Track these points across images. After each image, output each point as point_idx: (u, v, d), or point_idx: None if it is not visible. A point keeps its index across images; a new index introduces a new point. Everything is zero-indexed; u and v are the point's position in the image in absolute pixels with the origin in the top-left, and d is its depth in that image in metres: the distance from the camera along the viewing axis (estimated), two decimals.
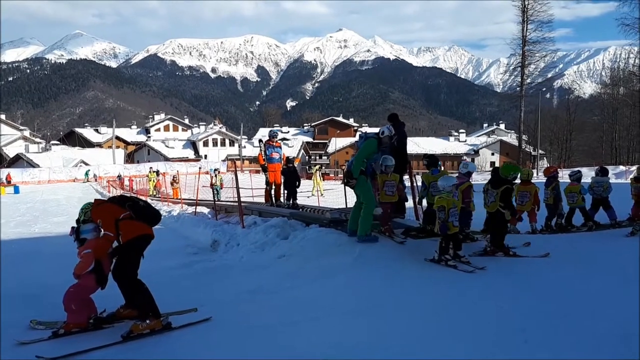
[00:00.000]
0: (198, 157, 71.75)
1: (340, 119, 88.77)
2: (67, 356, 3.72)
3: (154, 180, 28.60)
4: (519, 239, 7.23)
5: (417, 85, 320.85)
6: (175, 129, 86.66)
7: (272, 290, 5.51)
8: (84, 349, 3.81)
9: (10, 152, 64.13)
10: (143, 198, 22.25)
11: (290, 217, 8.75)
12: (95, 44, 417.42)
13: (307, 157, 76.38)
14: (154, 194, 26.74)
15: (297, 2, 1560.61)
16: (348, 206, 10.78)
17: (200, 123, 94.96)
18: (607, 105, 58.98)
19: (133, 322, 4.18)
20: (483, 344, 3.62)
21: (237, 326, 4.32)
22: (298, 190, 11.01)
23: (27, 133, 74.19)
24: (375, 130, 7.79)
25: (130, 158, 73.87)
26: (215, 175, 21.35)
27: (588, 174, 12.45)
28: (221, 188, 20.23)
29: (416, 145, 68.94)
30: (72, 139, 79.66)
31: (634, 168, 21.02)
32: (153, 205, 4.97)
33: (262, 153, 10.72)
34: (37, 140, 75.39)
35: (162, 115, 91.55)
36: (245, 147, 73.85)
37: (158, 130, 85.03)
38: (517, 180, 7.48)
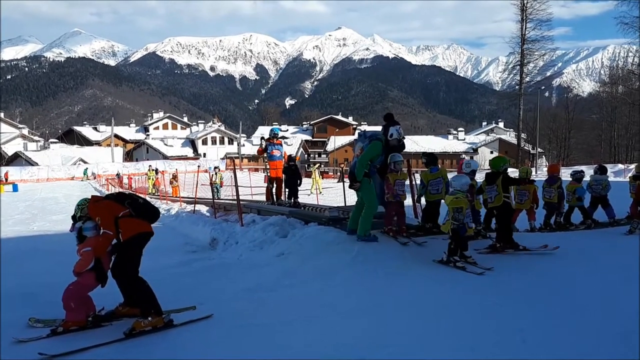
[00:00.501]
0: (197, 156, 71.73)
1: (339, 117, 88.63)
2: (70, 353, 3.72)
3: (153, 179, 28.59)
4: (519, 238, 7.22)
5: (416, 83, 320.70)
6: (174, 127, 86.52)
7: (270, 288, 5.51)
8: (86, 346, 3.81)
9: (9, 150, 64.14)
10: (142, 196, 22.32)
11: (289, 215, 8.75)
12: (93, 42, 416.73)
13: (306, 156, 76.33)
14: (153, 192, 26.73)
15: (296, 1, 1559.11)
16: (347, 204, 10.81)
17: (199, 121, 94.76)
18: (605, 104, 59.02)
19: (135, 319, 4.17)
20: (483, 343, 3.61)
21: (237, 324, 4.32)
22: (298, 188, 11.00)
23: (25, 131, 74.12)
24: (375, 128, 7.76)
25: (129, 156, 73.81)
26: (216, 174, 21.36)
27: (587, 172, 12.47)
28: (221, 186, 20.23)
29: (415, 143, 68.90)
30: (71, 137, 79.58)
31: (632, 166, 21.05)
32: (152, 204, 4.96)
33: (263, 150, 10.73)
34: (36, 138, 75.36)
35: (161, 114, 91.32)
36: (244, 145, 73.79)
37: (157, 128, 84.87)
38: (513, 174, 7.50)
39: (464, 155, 48.05)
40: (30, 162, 57.85)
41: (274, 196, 10.96)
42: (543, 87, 53.96)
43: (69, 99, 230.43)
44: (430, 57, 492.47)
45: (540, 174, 31.27)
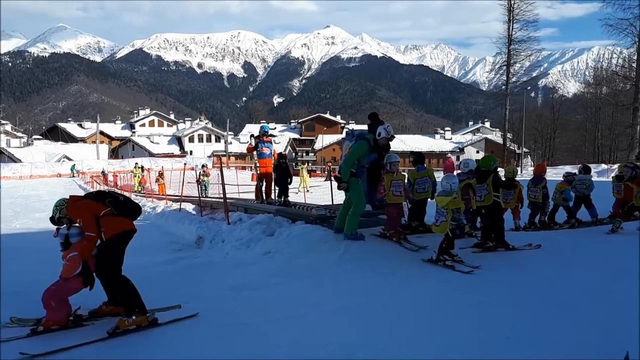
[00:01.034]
0: (183, 153, 71.23)
1: (328, 115, 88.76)
2: (52, 352, 3.66)
3: (139, 176, 28.33)
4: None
5: (404, 82, 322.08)
6: (161, 124, 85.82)
7: (257, 287, 5.48)
8: (68, 346, 3.75)
9: None
10: (124, 193, 22.02)
11: (276, 213, 8.73)
12: (79, 37, 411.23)
13: (293, 154, 76.24)
14: (139, 190, 26.49)
15: None
16: (334, 203, 10.81)
17: (185, 119, 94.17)
18: (590, 105, 59.89)
19: (119, 318, 4.12)
20: (469, 341, 3.63)
21: (222, 323, 4.29)
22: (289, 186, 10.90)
23: (8, 127, 73.03)
24: (363, 127, 7.74)
25: (114, 153, 72.99)
26: (203, 172, 21.29)
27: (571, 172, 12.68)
28: (198, 182, 20.13)
29: (402, 142, 69.23)
30: (55, 134, 78.44)
31: (615, 166, 21.37)
32: (133, 200, 4.89)
33: (253, 148, 10.57)
34: (19, 134, 74.18)
35: (147, 111, 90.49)
36: (231, 143, 73.45)
37: (143, 125, 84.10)
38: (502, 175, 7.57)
39: (449, 155, 48.34)
40: (13, 159, 56.94)
41: (264, 195, 10.83)
42: (529, 88, 54.53)
43: (53, 95, 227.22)
44: (418, 56, 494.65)
45: (525, 173, 31.60)
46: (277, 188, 10.84)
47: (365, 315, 4.31)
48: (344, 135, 7.94)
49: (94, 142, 67.14)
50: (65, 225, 4.36)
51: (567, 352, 3.35)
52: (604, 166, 31.83)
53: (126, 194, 22.08)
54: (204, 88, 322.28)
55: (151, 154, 67.19)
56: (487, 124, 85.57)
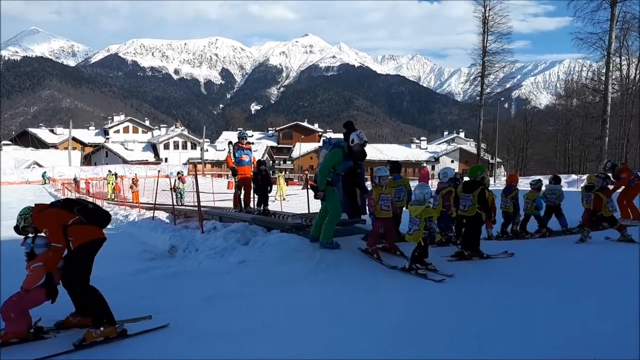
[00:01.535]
0: (158, 160, 70.23)
1: (305, 124, 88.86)
2: None
3: (112, 183, 27.79)
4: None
5: (381, 92, 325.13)
6: (135, 130, 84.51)
7: (231, 296, 5.41)
8: (31, 359, 3.60)
9: None
10: (96, 200, 21.53)
11: (251, 222, 8.65)
12: (52, 41, 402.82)
13: (271, 162, 75.99)
14: (112, 197, 25.97)
15: (263, 6, 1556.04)
16: (311, 211, 10.78)
17: (161, 125, 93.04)
18: (561, 116, 61.39)
19: (86, 330, 4.00)
20: (440, 348, 3.67)
21: (195, 333, 4.22)
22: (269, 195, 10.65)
23: None
24: (339, 136, 7.76)
25: (87, 160, 71.48)
26: (178, 178, 21.03)
27: (543, 182, 12.97)
28: (174, 190, 19.86)
29: (379, 151, 69.84)
30: (25, 139, 76.28)
31: (585, 177, 21.92)
32: (103, 207, 4.76)
33: (232, 156, 10.29)
34: None
35: (122, 117, 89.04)
36: (207, 150, 72.80)
37: (117, 132, 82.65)
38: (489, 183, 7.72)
39: (424, 164, 48.94)
40: None
41: (242, 203, 10.61)
42: (502, 99, 55.78)
43: (24, 100, 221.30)
44: (395, 66, 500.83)
45: (499, 183, 32.17)
46: (256, 196, 10.58)
47: (340, 324, 4.30)
48: (321, 144, 7.93)
49: (66, 148, 65.67)
50: (31, 235, 4.21)
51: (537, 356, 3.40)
52: (574, 176, 32.60)
53: (99, 201, 21.67)
54: (180, 94, 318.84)
55: (125, 161, 66.09)
56: (462, 134, 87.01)
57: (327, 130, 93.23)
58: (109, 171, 31.89)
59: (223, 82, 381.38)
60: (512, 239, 8.82)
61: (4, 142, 75.71)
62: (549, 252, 7.33)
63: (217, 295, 5.46)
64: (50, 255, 4.07)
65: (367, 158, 7.19)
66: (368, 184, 8.79)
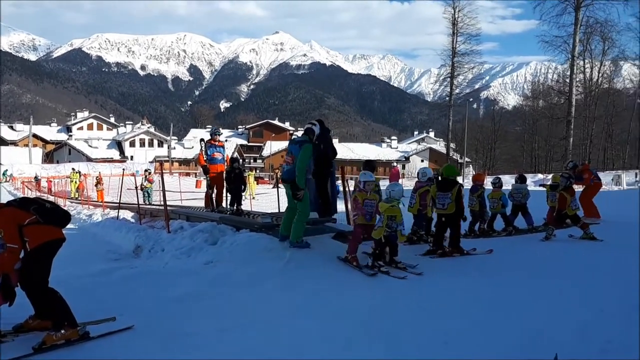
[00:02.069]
0: (124, 158, 68.67)
1: (276, 122, 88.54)
2: None
3: (76, 182, 26.97)
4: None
5: (352, 91, 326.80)
6: (100, 127, 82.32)
7: (198, 297, 5.30)
8: None
9: None
10: (58, 199, 20.83)
11: (219, 221, 8.51)
12: (12, 34, 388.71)
13: (241, 160, 75.36)
14: (76, 196, 25.20)
15: (233, 2, 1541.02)
16: (281, 211, 10.70)
17: (127, 122, 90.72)
18: (528, 117, 63.17)
19: (46, 333, 3.85)
20: (407, 346, 3.70)
21: (160, 335, 4.12)
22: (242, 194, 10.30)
23: None
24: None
25: (49, 158, 69.27)
26: (145, 177, 20.56)
27: (509, 181, 13.30)
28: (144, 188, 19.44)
29: (350, 151, 70.28)
30: None
31: (550, 176, 22.57)
32: (63, 207, 4.57)
33: (203, 153, 9.94)
34: None
35: (86, 113, 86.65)
36: (174, 148, 71.64)
37: (81, 128, 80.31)
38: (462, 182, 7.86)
39: (395, 163, 49.52)
40: None
41: (214, 202, 10.28)
42: (471, 99, 56.80)
43: None
44: (366, 66, 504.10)
45: (467, 182, 32.81)
46: (229, 195, 10.27)
47: (308, 323, 4.28)
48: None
49: (26, 145, 63.49)
50: None
51: (503, 354, 3.46)
52: (540, 176, 33.52)
53: (61, 200, 20.95)
54: (146, 91, 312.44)
55: (89, 159, 64.53)
56: (432, 134, 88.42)
57: (299, 128, 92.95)
58: (73, 169, 30.94)
59: (191, 79, 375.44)
60: (479, 237, 8.95)
61: None
62: (515, 249, 7.51)
63: (184, 296, 5.35)
64: (5, 257, 3.87)
65: (338, 157, 7.17)
66: (339, 183, 8.79)
